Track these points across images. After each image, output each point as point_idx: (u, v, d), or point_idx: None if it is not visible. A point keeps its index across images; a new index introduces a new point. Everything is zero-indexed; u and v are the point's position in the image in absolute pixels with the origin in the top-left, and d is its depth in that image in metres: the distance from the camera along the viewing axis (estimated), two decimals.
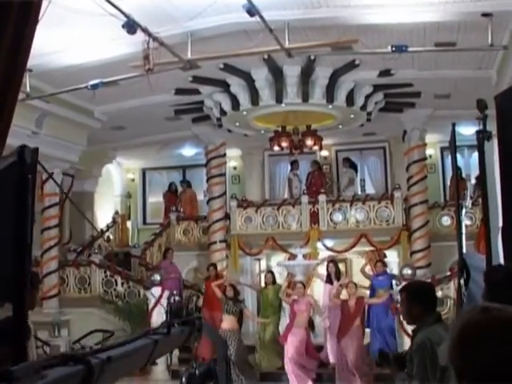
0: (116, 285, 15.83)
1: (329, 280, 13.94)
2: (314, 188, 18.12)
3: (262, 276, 19.01)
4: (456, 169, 5.03)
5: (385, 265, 14.09)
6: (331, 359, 12.96)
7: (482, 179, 4.71)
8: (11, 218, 2.43)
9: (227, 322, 12.46)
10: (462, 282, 5.16)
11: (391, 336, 12.97)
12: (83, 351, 2.41)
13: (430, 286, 5.20)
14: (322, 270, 19.63)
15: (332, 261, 14.27)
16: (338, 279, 13.73)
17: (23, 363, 2.05)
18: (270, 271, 14.78)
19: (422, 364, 4.39)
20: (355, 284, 12.74)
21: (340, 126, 15.96)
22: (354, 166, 19.33)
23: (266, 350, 13.20)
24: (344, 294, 12.88)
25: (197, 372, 6.80)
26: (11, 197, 2.55)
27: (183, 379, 6.66)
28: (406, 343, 12.84)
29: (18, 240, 2.43)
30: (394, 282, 13.70)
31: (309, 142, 14.98)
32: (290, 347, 12.08)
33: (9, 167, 2.57)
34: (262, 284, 14.57)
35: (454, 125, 5.09)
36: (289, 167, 19.28)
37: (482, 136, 4.66)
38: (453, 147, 5.05)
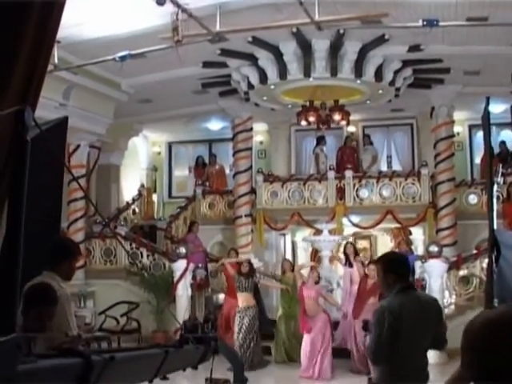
0: (142, 257, 15.92)
1: (348, 262, 13.32)
2: (345, 164, 18.06)
3: (288, 252, 19.18)
4: (489, 143, 4.96)
5: (409, 244, 13.73)
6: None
7: None
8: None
9: (241, 299, 12.24)
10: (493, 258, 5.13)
11: None
12: (86, 347, 2.35)
13: (403, 257, 5.55)
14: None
15: (350, 242, 13.75)
16: (351, 265, 13.08)
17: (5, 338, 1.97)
18: (286, 259, 14.46)
19: (375, 326, 4.78)
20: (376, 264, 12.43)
21: (368, 102, 15.83)
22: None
23: (285, 342, 12.69)
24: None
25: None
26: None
27: None
28: None
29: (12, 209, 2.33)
30: (416, 264, 13.41)
31: (336, 116, 14.89)
32: (316, 337, 11.53)
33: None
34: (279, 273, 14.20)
35: (488, 98, 5.02)
36: (315, 142, 19.19)
37: None
38: (486, 121, 4.99)
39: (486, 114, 5.09)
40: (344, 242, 14.94)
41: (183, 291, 13.89)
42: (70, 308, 4.93)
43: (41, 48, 3.42)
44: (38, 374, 1.98)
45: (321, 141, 18.82)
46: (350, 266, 13.10)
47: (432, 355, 12.53)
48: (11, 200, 2.28)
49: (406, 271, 5.04)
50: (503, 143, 18.23)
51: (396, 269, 4.93)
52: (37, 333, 3.72)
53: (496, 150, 17.92)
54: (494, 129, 16.74)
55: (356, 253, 13.47)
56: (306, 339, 11.55)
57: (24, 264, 2.30)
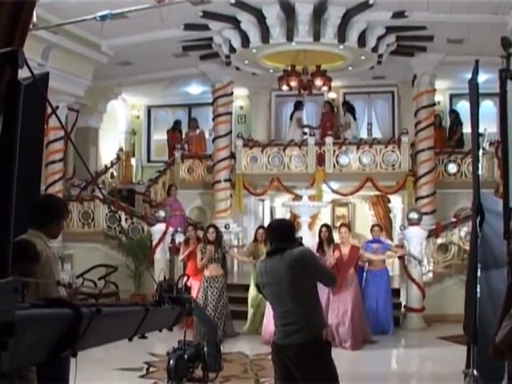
0: (120, 220, 15.86)
1: (320, 248, 11.51)
2: (326, 129, 18.00)
3: (267, 217, 19.19)
4: (477, 108, 4.94)
5: (381, 230, 13.03)
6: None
7: (502, 118, 4.63)
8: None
9: (209, 270, 11.48)
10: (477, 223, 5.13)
11: (387, 306, 12.24)
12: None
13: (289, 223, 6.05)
14: (326, 213, 19.88)
15: (325, 225, 12.20)
16: (329, 245, 11.47)
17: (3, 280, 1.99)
18: (261, 226, 13.04)
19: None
20: (349, 227, 11.89)
21: (350, 68, 15.77)
22: (351, 110, 19.04)
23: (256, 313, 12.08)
24: (336, 239, 11.72)
25: (185, 355, 6.86)
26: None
27: (171, 361, 6.71)
28: (410, 287, 12.97)
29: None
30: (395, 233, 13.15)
31: (318, 82, 14.81)
32: None
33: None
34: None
35: (477, 62, 4.98)
36: (311, 107, 19.14)
37: (505, 75, 4.56)
38: (474, 86, 4.95)
39: (475, 79, 5.06)
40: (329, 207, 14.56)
41: (161, 255, 13.86)
42: (57, 267, 4.88)
43: None
44: (33, 321, 2.02)
45: (299, 106, 18.76)
46: (323, 252, 11.45)
47: (411, 321, 12.74)
48: (2, 147, 2.23)
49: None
50: (453, 112, 18.48)
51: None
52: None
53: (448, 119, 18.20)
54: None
55: (331, 239, 11.66)
56: None
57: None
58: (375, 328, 11.84)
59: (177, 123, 20.55)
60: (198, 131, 19.80)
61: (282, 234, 5.41)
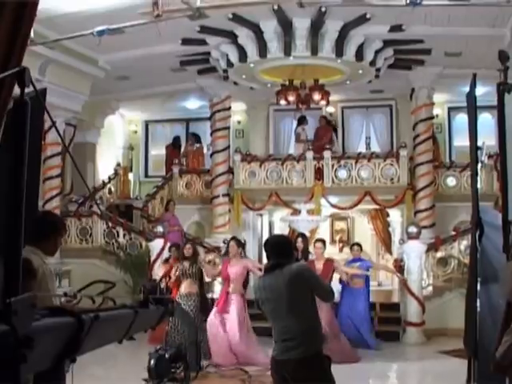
0: (118, 236, 15.84)
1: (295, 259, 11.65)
2: (321, 143, 17.99)
3: (265, 232, 19.16)
4: (475, 122, 4.94)
5: (361, 249, 12.91)
6: None
7: (501, 131, 4.64)
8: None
9: (184, 286, 11.07)
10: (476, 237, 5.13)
11: (364, 324, 12.25)
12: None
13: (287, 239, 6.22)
14: (325, 227, 19.89)
15: (302, 235, 12.10)
16: (306, 259, 11.28)
17: (21, 296, 2.13)
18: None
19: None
20: (324, 243, 11.73)
21: (348, 82, 15.80)
22: (332, 126, 19.20)
23: None
24: (311, 254, 11.68)
25: (166, 355, 6.85)
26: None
27: (152, 361, 6.71)
28: (410, 302, 12.94)
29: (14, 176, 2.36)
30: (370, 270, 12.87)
31: (316, 96, 14.80)
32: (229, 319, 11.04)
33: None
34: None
35: (474, 75, 4.99)
36: (295, 123, 19.11)
37: (503, 88, 4.57)
38: (472, 100, 4.97)
39: (473, 93, 5.07)
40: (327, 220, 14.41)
41: (160, 270, 13.80)
42: (53, 284, 4.86)
43: (23, 13, 3.34)
44: (44, 332, 2.17)
45: (303, 121, 18.73)
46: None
47: (411, 336, 12.72)
48: (12, 165, 2.32)
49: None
50: None
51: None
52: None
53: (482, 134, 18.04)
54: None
55: (307, 249, 11.62)
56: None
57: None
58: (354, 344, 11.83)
59: (176, 139, 20.55)
60: (195, 146, 19.80)
61: (279, 249, 5.45)
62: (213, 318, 11.00)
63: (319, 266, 10.98)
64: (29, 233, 4.69)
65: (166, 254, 14.00)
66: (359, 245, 13.03)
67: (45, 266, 4.65)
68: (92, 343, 2.62)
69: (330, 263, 11.29)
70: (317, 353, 5.18)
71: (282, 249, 5.46)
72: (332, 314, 11.29)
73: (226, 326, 10.97)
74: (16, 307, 2.04)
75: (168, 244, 14.05)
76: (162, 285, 11.36)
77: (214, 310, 11.10)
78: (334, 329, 11.10)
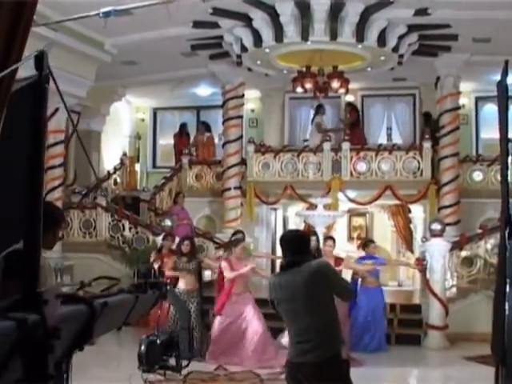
0: (123, 230, 15.83)
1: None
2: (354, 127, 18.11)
3: (279, 227, 19.11)
4: (506, 112, 4.84)
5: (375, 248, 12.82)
6: None
7: None
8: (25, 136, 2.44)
9: (184, 282, 11.44)
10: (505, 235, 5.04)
11: (382, 324, 12.26)
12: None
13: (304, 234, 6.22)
14: (342, 223, 19.82)
15: (314, 233, 12.28)
16: (317, 257, 10.80)
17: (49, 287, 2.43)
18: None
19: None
20: (334, 241, 11.77)
21: (368, 69, 15.69)
22: (324, 112, 19.10)
23: None
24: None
25: (158, 340, 6.83)
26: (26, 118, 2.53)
27: (142, 347, 6.69)
28: (432, 303, 12.85)
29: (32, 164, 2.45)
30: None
31: (335, 84, 14.72)
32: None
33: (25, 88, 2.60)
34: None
35: (506, 63, 4.89)
36: (312, 112, 19.04)
37: None
38: (503, 88, 4.87)
39: (504, 81, 4.97)
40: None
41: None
42: (52, 279, 4.83)
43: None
44: (65, 318, 2.30)
45: (320, 109, 18.66)
46: None
47: (433, 340, 12.62)
48: (30, 151, 2.40)
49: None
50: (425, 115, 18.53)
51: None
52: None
53: None
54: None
55: (318, 249, 11.61)
56: None
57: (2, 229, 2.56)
58: (366, 346, 11.80)
59: (183, 126, 20.53)
60: (206, 135, 19.75)
61: (296, 246, 5.41)
62: (228, 319, 10.95)
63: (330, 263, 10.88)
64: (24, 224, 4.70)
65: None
66: (374, 242, 13.04)
67: (44, 260, 4.61)
68: (98, 331, 2.72)
69: (339, 261, 11.33)
70: (335, 356, 5.14)
71: (299, 245, 5.42)
72: (347, 315, 11.25)
73: (244, 326, 10.95)
74: (46, 297, 2.17)
75: (177, 238, 13.97)
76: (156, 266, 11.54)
77: (225, 311, 11.05)
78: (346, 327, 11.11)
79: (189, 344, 10.59)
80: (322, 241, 12.07)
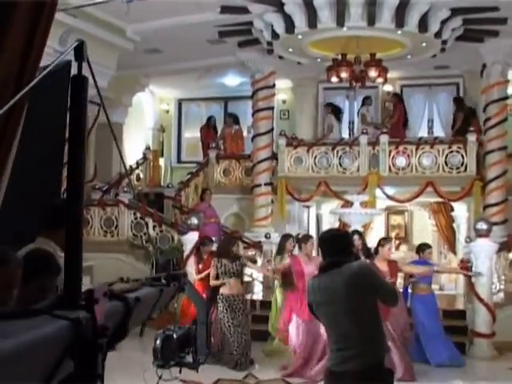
0: (147, 228, 15.81)
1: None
2: (399, 125, 17.98)
3: (312, 226, 19.04)
4: None
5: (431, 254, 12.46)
6: None
7: None
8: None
9: (229, 286, 11.14)
10: None
11: (442, 334, 11.81)
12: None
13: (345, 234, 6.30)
14: (379, 222, 19.68)
15: (357, 232, 12.19)
16: (368, 256, 11.00)
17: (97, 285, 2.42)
18: (288, 235, 12.40)
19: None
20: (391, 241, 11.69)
21: (409, 57, 15.58)
22: (337, 111, 19.15)
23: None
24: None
25: (174, 335, 6.76)
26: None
27: (158, 341, 6.63)
28: (478, 309, 12.66)
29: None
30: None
31: (372, 73, 14.64)
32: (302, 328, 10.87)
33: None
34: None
35: None
36: (347, 102, 18.95)
37: None
38: None
39: None
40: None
41: (194, 267, 13.75)
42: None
43: None
44: (106, 316, 2.31)
45: (366, 100, 18.68)
46: None
47: (479, 348, 12.42)
48: (71, 146, 2.45)
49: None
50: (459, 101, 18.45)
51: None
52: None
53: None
54: None
55: (366, 247, 11.50)
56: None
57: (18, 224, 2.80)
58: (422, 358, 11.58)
59: (210, 119, 20.50)
60: (234, 128, 19.71)
61: (337, 245, 5.38)
62: (304, 326, 10.80)
63: (383, 266, 10.69)
64: (43, 220, 4.67)
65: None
66: (431, 247, 12.56)
67: (60, 260, 4.56)
68: (130, 328, 2.76)
69: (394, 264, 11.03)
70: (378, 364, 5.09)
71: (339, 245, 5.39)
72: (407, 318, 11.10)
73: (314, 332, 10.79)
74: (97, 295, 2.22)
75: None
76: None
77: (298, 317, 10.91)
78: (406, 339, 10.94)
79: (206, 340, 10.54)
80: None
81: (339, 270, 5.15)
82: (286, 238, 12.07)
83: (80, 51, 2.48)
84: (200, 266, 12.33)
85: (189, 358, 6.86)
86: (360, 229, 14.98)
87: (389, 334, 10.34)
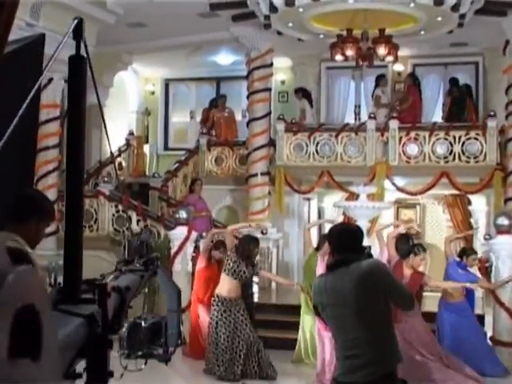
0: (130, 223, 15.75)
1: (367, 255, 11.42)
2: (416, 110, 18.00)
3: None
4: None
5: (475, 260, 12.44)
6: None
7: None
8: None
9: (225, 286, 11.09)
10: None
11: (482, 345, 11.78)
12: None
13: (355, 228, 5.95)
14: (388, 216, 19.62)
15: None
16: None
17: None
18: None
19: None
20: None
21: (422, 33, 15.59)
22: (307, 96, 19.21)
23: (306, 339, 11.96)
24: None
25: (143, 323, 6.73)
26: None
27: (124, 329, 6.61)
28: (499, 314, 12.60)
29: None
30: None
31: (381, 50, 14.62)
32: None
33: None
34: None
35: None
36: (352, 83, 18.93)
37: None
38: None
39: None
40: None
41: (182, 266, 13.70)
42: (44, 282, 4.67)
43: None
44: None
45: (380, 80, 18.58)
46: None
47: (500, 357, 12.32)
48: (70, 130, 2.55)
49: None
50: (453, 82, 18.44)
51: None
52: None
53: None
54: None
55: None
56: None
57: None
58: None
59: (214, 101, 20.30)
60: (226, 111, 19.65)
61: (347, 241, 5.37)
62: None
63: (406, 272, 10.65)
64: (9, 212, 4.60)
65: (190, 245, 13.89)
66: (476, 252, 12.52)
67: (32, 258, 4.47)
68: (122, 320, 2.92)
69: (419, 276, 10.83)
70: (390, 374, 5.07)
71: (350, 241, 5.37)
72: (427, 332, 10.97)
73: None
74: (109, 289, 2.39)
75: (193, 233, 13.88)
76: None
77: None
78: (433, 348, 10.80)
79: (178, 329, 10.47)
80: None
81: (347, 269, 5.13)
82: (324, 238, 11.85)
83: (79, 30, 2.55)
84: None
85: (160, 350, 6.89)
86: (366, 224, 15.01)
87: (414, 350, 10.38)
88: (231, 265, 11.05)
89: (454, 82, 18.38)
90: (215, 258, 12.33)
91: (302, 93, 19.13)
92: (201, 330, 12.13)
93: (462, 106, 17.63)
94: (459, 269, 11.65)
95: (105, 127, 16.34)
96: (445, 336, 11.54)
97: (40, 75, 4.81)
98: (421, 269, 11.19)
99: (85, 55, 2.59)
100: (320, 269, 10.40)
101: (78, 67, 2.53)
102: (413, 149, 16.73)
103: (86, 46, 2.64)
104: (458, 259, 12.07)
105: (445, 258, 11.97)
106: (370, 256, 5.66)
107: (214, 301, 11.16)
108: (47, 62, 2.58)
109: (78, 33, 2.56)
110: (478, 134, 16.39)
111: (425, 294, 12.46)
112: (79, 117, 2.53)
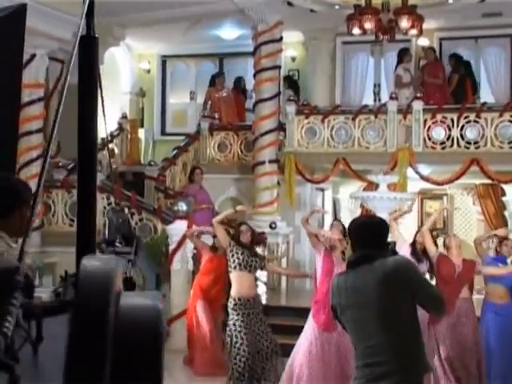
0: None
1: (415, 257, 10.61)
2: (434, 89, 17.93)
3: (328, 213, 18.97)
4: None
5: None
6: None
7: None
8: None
9: (237, 282, 10.78)
10: None
11: None
12: None
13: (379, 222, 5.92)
14: (412, 208, 19.60)
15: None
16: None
17: None
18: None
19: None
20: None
21: (450, 1, 15.56)
22: (292, 84, 19.52)
23: None
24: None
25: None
26: None
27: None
28: None
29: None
30: None
31: (404, 23, 14.64)
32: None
33: None
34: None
35: None
36: (371, 60, 18.90)
37: None
38: None
39: None
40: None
41: (182, 264, 13.71)
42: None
43: None
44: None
45: (404, 56, 18.45)
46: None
47: None
48: (82, 106, 2.94)
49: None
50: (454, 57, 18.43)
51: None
52: None
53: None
54: None
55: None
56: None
57: None
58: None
59: (238, 81, 20.35)
60: (225, 91, 19.58)
61: (369, 237, 5.34)
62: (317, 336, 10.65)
63: (457, 260, 10.48)
64: None
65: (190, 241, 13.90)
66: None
67: (10, 251, 4.45)
68: None
69: (471, 264, 10.63)
70: None
71: (374, 235, 5.36)
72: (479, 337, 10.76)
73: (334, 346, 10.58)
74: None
75: (194, 227, 13.84)
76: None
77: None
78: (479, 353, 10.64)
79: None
80: None
81: (370, 267, 5.11)
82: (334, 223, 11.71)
83: (91, 6, 2.80)
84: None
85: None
86: (387, 217, 14.94)
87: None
88: (240, 257, 10.78)
89: (458, 58, 18.37)
90: (221, 246, 11.84)
91: (288, 82, 19.29)
92: (198, 330, 12.06)
93: (465, 87, 17.56)
94: (499, 263, 11.55)
95: (103, 109, 16.35)
96: (490, 342, 11.40)
97: (22, 47, 4.81)
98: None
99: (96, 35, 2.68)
100: (319, 267, 10.30)
101: (89, 48, 2.75)
102: (439, 133, 16.70)
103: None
104: (492, 255, 11.98)
105: (480, 258, 11.81)
106: (395, 253, 5.60)
107: (236, 305, 10.67)
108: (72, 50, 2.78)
109: (89, 13, 2.75)
110: None
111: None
112: (92, 99, 2.85)
